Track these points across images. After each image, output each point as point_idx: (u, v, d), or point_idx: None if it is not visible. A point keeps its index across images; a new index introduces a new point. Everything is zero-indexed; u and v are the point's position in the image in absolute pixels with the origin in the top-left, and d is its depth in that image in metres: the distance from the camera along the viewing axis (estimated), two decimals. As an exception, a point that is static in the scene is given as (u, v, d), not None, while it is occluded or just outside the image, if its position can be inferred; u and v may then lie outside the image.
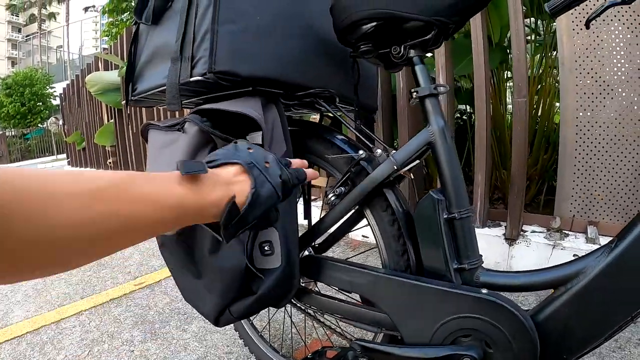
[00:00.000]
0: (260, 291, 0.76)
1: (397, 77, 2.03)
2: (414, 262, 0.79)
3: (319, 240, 0.96)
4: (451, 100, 1.89)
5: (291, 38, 0.83)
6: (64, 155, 9.92)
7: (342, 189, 0.84)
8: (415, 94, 0.75)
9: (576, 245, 1.56)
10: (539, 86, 2.18)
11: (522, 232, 1.74)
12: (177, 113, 1.12)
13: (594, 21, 1.52)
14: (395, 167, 0.75)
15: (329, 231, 0.91)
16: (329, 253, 0.98)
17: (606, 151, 1.60)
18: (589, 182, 1.65)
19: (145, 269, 2.11)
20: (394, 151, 0.77)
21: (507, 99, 2.40)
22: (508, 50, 2.08)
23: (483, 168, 1.78)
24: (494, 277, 0.71)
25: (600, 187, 1.62)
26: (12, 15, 40.38)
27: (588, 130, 1.62)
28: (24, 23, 40.81)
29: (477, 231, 1.77)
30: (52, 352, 1.37)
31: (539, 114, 2.18)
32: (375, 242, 0.85)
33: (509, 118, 2.25)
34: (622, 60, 1.53)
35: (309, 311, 0.95)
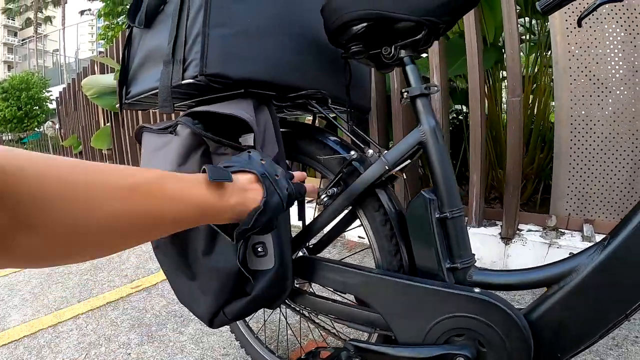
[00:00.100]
0: (254, 292, 0.76)
1: (392, 77, 2.03)
2: (407, 262, 0.80)
3: (313, 241, 0.96)
4: (446, 100, 1.89)
5: (283, 40, 0.83)
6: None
7: (335, 189, 0.84)
8: (406, 94, 0.75)
9: (572, 243, 1.56)
10: (535, 85, 2.18)
11: (518, 231, 1.74)
12: (172, 115, 1.12)
13: (587, 20, 1.55)
14: (387, 167, 0.76)
15: (323, 232, 0.91)
16: (325, 254, 0.98)
17: (601, 149, 1.60)
18: (584, 181, 1.65)
19: (142, 272, 2.11)
20: (385, 151, 0.78)
21: (503, 98, 2.40)
22: (503, 50, 2.09)
23: (478, 168, 1.79)
24: (487, 276, 0.71)
25: (595, 185, 1.63)
26: (8, 19, 40.36)
27: (583, 128, 1.63)
28: (20, 27, 40.78)
29: (473, 230, 1.78)
30: (50, 356, 1.36)
31: (535, 113, 2.19)
32: (368, 242, 0.85)
33: (505, 118, 2.26)
34: (616, 59, 1.53)
35: (304, 312, 0.95)
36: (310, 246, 0.98)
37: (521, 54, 1.84)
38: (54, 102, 9.56)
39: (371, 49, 0.77)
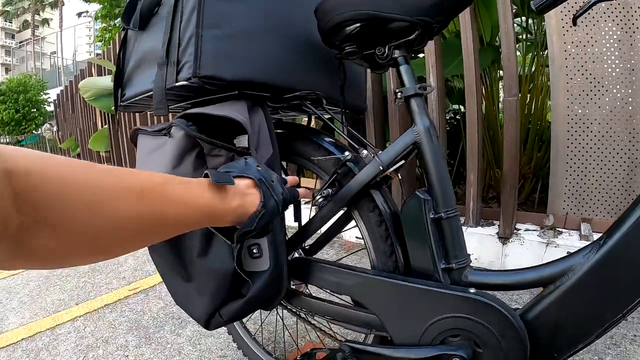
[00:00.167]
0: (250, 294, 0.76)
1: (388, 77, 2.03)
2: (402, 263, 0.79)
3: (309, 242, 0.96)
4: (442, 100, 1.89)
5: (276, 41, 0.83)
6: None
7: (330, 190, 0.84)
8: (400, 94, 0.75)
9: (570, 242, 1.56)
10: (531, 85, 2.19)
11: (515, 231, 1.74)
12: (170, 117, 1.12)
13: (583, 19, 1.55)
14: (381, 168, 0.75)
15: (318, 233, 0.91)
16: (323, 254, 0.98)
17: (598, 148, 1.60)
18: (581, 179, 1.65)
19: (140, 274, 2.10)
20: (380, 152, 0.77)
21: (500, 98, 2.40)
22: (500, 50, 2.09)
23: (475, 167, 1.78)
24: (483, 276, 0.71)
25: (592, 184, 1.63)
26: (5, 21, 40.30)
27: (580, 127, 1.63)
28: (17, 29, 40.72)
29: (471, 230, 1.78)
30: (48, 359, 1.36)
31: (532, 112, 2.19)
32: (364, 243, 0.85)
33: (502, 117, 2.26)
34: (613, 57, 1.53)
35: (300, 314, 0.95)
36: (306, 247, 0.98)
37: (518, 53, 1.84)
38: (52, 105, 9.55)
39: (365, 49, 0.77)
